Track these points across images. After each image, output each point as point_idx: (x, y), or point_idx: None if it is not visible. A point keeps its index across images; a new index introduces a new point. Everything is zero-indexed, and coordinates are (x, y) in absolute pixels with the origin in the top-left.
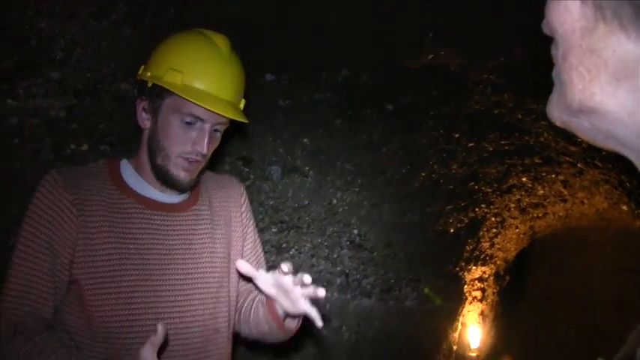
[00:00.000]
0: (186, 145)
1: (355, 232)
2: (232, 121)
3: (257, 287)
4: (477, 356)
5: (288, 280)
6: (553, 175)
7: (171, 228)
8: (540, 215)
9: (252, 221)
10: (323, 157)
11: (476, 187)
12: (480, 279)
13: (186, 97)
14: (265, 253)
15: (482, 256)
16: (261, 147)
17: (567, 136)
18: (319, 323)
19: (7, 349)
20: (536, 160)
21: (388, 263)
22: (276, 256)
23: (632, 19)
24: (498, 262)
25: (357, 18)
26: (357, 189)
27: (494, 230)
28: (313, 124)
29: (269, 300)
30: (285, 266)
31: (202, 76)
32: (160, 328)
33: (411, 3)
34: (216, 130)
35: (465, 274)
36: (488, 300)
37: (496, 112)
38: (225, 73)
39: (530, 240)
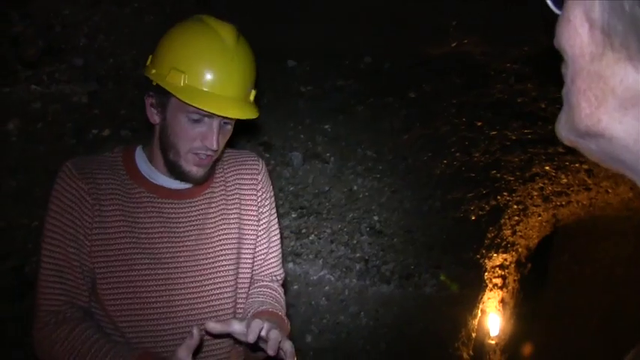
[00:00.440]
0: (196, 141)
1: (375, 218)
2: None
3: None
4: (496, 343)
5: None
6: (577, 164)
7: (183, 215)
8: (564, 203)
9: (268, 201)
10: (344, 143)
11: (498, 175)
12: (501, 266)
13: (188, 102)
14: (285, 238)
15: (503, 244)
16: (282, 133)
17: None
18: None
19: (50, 341)
20: (560, 150)
21: (408, 250)
22: (296, 241)
23: (638, 51)
24: (520, 250)
25: (380, 5)
26: (377, 175)
27: (517, 218)
28: (335, 111)
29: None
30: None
31: (206, 77)
32: (196, 331)
33: None
34: (226, 123)
35: (486, 261)
36: (509, 287)
37: (519, 100)
38: (231, 69)
39: (553, 228)
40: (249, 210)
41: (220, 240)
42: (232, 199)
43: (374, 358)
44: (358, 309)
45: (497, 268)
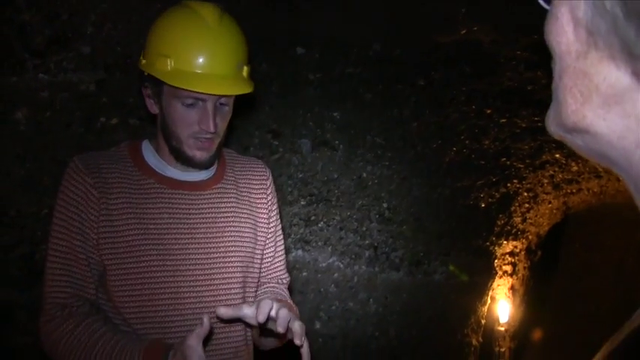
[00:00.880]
0: (194, 126)
1: (385, 205)
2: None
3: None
4: (506, 330)
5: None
6: None
7: (193, 206)
8: (574, 191)
9: (276, 206)
10: (353, 131)
11: (508, 162)
12: (511, 253)
13: (176, 85)
14: (294, 225)
15: (513, 231)
16: (291, 120)
17: None
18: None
19: (57, 335)
20: None
21: (417, 237)
22: (305, 228)
23: (620, 51)
24: (530, 237)
25: None
26: (387, 163)
27: (527, 205)
28: (344, 98)
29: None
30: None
31: (191, 57)
32: (206, 320)
33: None
34: (222, 104)
35: (496, 248)
36: (519, 274)
37: (529, 88)
38: (215, 48)
39: (564, 215)
40: (260, 212)
41: (232, 235)
42: (243, 199)
43: (383, 344)
44: (367, 296)
45: (507, 256)
